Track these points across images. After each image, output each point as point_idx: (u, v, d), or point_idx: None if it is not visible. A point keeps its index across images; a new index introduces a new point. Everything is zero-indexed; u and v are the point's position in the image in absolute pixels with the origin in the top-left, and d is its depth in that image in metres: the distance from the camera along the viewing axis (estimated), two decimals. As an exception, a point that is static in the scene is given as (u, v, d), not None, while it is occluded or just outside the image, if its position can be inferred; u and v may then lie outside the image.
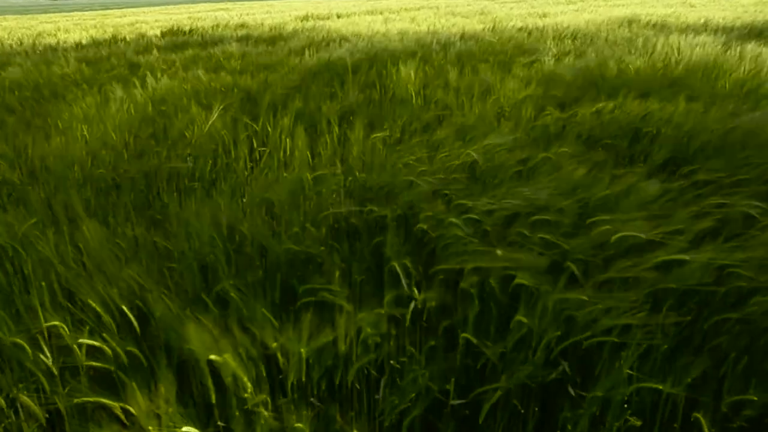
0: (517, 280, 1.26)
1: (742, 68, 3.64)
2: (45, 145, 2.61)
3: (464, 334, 1.26)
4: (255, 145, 2.65)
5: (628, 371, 1.13)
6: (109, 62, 5.40)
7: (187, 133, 2.69)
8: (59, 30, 11.76)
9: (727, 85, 3.25)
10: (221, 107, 2.82)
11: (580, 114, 2.42)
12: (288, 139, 2.48)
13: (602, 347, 1.27)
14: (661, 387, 1.10)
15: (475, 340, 1.24)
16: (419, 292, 1.32)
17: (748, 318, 1.25)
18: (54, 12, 30.71)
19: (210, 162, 2.49)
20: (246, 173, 2.37)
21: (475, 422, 1.25)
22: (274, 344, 1.14)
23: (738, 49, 4.47)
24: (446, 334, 1.35)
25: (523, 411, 1.31)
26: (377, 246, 1.59)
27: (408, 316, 1.29)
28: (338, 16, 12.15)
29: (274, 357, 1.17)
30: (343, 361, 1.20)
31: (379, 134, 2.24)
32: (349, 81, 3.67)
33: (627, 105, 2.59)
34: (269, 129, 2.60)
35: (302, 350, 1.12)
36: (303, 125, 2.78)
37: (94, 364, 1.24)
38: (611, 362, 1.20)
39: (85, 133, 2.67)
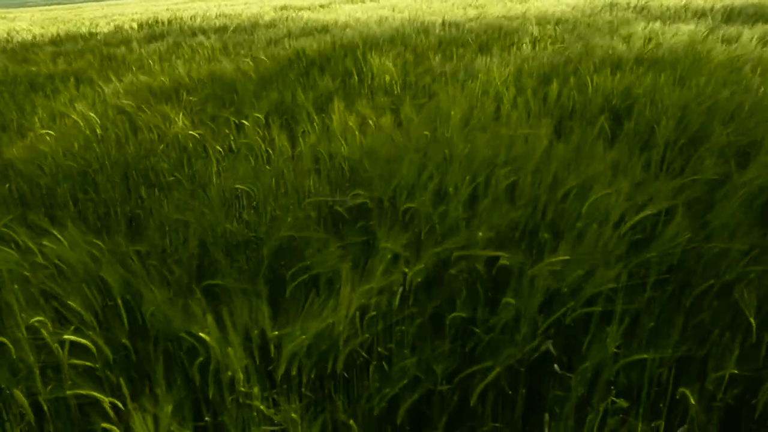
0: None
1: (724, 50, 3.63)
2: (19, 142, 2.55)
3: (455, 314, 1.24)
4: (233, 137, 2.60)
5: (615, 350, 1.12)
6: (85, 56, 5.30)
7: (163, 127, 2.63)
8: (34, 24, 11.55)
9: (711, 67, 3.25)
10: (197, 100, 2.77)
11: (560, 93, 2.41)
12: (266, 131, 2.44)
13: (588, 325, 1.26)
14: (646, 356, 1.09)
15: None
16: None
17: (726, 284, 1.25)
18: (31, 6, 30.19)
19: (186, 156, 2.45)
20: (223, 165, 2.33)
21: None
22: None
23: (719, 31, 4.47)
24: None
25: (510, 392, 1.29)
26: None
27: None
28: (321, 6, 12.04)
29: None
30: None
31: (356, 121, 2.22)
32: (328, 69, 3.63)
33: (607, 84, 2.58)
34: (246, 122, 2.55)
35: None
36: (282, 116, 2.74)
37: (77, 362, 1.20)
38: (597, 339, 1.19)
39: (57, 131, 2.61)
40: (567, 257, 1.21)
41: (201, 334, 1.06)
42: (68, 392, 1.08)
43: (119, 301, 1.28)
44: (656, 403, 1.24)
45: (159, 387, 0.99)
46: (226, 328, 1.06)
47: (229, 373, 1.07)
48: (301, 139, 2.21)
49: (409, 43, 4.52)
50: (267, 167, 2.01)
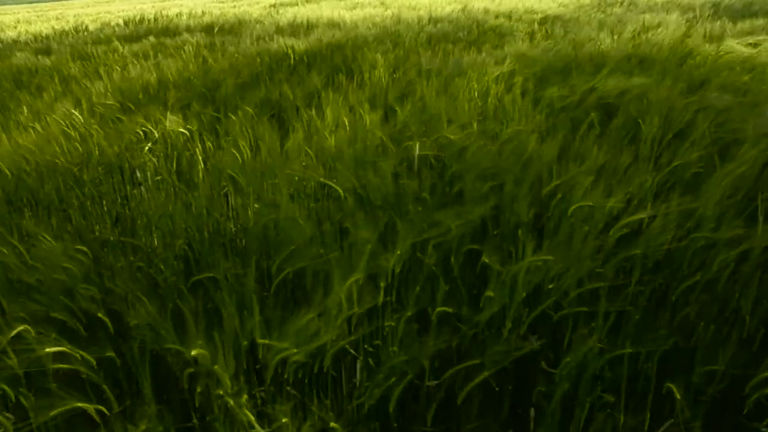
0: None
1: (710, 46, 3.63)
2: (2, 139, 2.52)
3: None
4: (219, 134, 2.58)
5: (600, 345, 1.12)
6: (70, 53, 5.24)
7: (149, 125, 2.61)
8: (19, 22, 11.43)
9: (695, 62, 3.25)
10: (184, 97, 2.75)
11: (547, 92, 2.41)
12: (253, 129, 2.42)
13: (575, 320, 1.26)
14: (631, 350, 1.09)
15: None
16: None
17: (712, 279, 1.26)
18: (13, 3, 29.90)
19: (175, 153, 2.43)
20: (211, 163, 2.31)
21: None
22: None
23: (706, 26, 4.48)
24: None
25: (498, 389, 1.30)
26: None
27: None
28: (307, 2, 11.98)
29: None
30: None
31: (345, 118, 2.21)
32: (316, 66, 3.62)
33: (598, 84, 2.57)
34: (234, 118, 2.53)
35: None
36: (269, 112, 2.73)
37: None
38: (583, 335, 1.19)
39: (41, 127, 2.57)
40: (550, 257, 1.21)
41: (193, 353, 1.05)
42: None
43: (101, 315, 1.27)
44: (642, 397, 1.24)
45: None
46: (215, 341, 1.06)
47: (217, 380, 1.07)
48: (291, 135, 2.19)
49: (398, 40, 4.51)
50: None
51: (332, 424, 1.08)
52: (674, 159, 1.69)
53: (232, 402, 1.03)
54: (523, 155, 1.68)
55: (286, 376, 1.15)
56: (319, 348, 1.12)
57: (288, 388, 1.23)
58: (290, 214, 1.42)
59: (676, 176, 1.69)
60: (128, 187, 2.33)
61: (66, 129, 2.49)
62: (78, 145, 2.28)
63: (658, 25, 4.60)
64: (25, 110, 3.01)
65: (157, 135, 2.51)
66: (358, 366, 1.26)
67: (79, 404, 1.06)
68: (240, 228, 1.67)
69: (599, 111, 2.36)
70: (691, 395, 1.20)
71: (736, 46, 3.46)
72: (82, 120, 2.64)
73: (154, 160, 2.37)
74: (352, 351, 1.28)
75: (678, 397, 1.07)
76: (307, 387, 1.24)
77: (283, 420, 1.00)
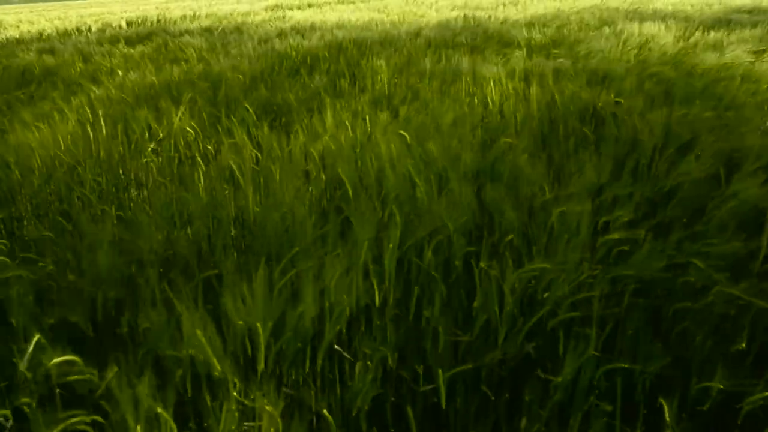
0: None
1: (711, 58, 3.62)
2: (5, 140, 2.52)
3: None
4: (222, 138, 2.59)
5: (595, 352, 1.13)
6: (72, 54, 5.25)
7: (154, 125, 2.62)
8: (21, 21, 11.47)
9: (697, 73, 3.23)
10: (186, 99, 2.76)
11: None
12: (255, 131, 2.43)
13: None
14: (627, 366, 1.10)
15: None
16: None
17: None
18: (17, 3, 29.99)
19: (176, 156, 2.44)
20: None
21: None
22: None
23: (708, 36, 4.47)
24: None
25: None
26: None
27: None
28: (309, 6, 12.02)
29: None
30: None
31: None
32: (318, 70, 3.63)
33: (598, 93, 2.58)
34: (235, 121, 2.55)
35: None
36: (271, 117, 2.74)
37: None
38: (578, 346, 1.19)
39: (47, 129, 2.58)
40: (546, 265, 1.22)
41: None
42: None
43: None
44: (638, 409, 1.25)
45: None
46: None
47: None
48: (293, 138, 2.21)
49: (400, 45, 4.52)
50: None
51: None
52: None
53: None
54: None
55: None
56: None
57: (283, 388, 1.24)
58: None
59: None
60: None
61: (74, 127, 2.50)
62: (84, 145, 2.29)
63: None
64: (28, 111, 3.02)
65: (160, 135, 2.52)
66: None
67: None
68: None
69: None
70: (688, 407, 1.20)
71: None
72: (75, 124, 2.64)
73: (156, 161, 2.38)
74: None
75: (668, 419, 1.07)
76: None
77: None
